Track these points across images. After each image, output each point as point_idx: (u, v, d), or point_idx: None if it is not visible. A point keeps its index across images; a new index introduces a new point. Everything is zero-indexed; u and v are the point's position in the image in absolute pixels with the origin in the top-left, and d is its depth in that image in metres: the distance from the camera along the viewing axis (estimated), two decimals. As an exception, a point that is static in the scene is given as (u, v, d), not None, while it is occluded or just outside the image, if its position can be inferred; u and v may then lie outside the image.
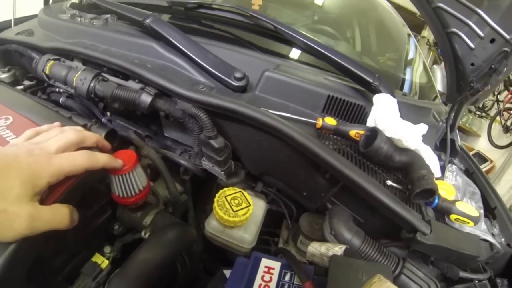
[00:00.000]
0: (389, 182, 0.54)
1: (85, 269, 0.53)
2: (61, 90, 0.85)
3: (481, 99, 0.96)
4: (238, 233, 0.58)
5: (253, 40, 0.82)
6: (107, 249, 0.58)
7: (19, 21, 1.21)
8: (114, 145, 0.58)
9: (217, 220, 0.57)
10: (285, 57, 0.79)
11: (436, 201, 0.55)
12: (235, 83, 0.60)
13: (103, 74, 0.68)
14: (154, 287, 0.51)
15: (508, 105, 3.93)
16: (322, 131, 0.59)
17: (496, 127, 4.11)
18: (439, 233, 0.51)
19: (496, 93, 3.93)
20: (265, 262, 0.46)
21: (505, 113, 3.95)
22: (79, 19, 0.89)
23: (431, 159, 0.59)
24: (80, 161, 0.41)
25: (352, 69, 0.66)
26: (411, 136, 0.56)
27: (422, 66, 1.20)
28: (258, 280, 0.44)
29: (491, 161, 4.03)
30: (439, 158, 0.75)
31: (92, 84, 0.64)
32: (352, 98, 0.64)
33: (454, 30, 0.76)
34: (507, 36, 0.70)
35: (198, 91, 0.56)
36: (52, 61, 0.75)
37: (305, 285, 0.42)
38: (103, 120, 0.82)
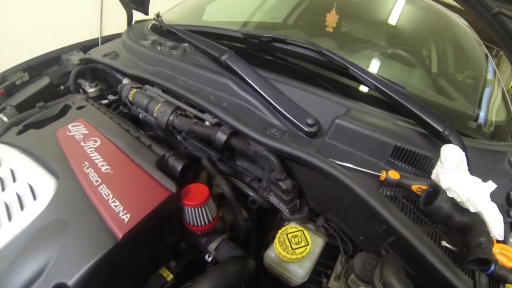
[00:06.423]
0: (444, 243, 0.58)
1: (152, 279, 0.62)
2: None
3: None
4: (293, 267, 0.67)
5: (326, 76, 0.88)
6: (172, 264, 0.66)
7: (105, 39, 1.40)
8: (189, 176, 0.69)
9: (276, 254, 0.67)
10: (356, 97, 0.82)
11: (492, 268, 0.57)
12: (307, 129, 0.68)
13: (181, 107, 0.79)
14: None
15: None
16: (385, 183, 0.65)
17: None
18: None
19: None
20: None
21: None
22: (159, 48, 1.01)
23: (495, 220, 0.61)
24: None
25: (422, 116, 0.69)
26: (474, 198, 0.58)
27: (500, 94, 1.16)
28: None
29: None
30: (508, 215, 0.74)
31: (171, 118, 0.75)
32: (418, 148, 0.68)
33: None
34: None
35: (270, 136, 0.66)
36: (134, 89, 0.88)
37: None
38: (178, 137, 0.94)
